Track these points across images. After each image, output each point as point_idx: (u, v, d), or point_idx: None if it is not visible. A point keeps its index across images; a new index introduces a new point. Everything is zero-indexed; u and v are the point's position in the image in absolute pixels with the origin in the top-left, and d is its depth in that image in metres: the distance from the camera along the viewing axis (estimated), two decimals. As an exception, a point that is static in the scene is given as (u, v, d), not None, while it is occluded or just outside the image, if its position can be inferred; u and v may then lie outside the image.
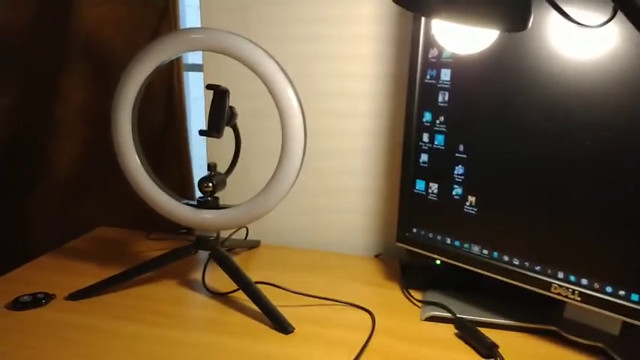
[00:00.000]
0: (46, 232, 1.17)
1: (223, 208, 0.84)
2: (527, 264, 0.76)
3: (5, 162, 1.17)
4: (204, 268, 0.91)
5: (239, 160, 0.88)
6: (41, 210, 1.18)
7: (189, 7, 1.11)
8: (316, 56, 1.00)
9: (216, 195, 0.85)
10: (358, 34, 0.98)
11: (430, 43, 0.81)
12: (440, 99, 0.82)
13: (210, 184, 0.83)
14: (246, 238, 1.09)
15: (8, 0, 1.08)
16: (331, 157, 1.04)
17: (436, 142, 0.83)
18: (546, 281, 0.74)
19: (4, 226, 1.20)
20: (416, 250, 0.88)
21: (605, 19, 0.63)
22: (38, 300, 0.81)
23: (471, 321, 0.77)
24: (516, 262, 0.77)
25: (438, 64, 0.81)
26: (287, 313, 0.78)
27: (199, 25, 1.04)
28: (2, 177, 1.18)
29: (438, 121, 0.82)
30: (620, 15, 0.62)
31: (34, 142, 1.15)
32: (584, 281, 0.71)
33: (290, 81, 0.76)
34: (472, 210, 0.80)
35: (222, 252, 0.86)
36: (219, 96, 0.80)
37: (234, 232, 1.05)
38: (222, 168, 0.87)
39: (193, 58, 1.14)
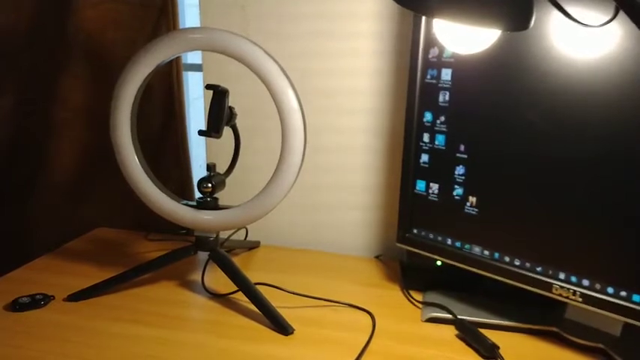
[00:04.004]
0: (46, 233, 1.17)
1: (223, 208, 0.84)
2: (528, 265, 0.76)
3: (5, 163, 1.17)
4: (203, 269, 0.90)
5: (238, 160, 0.87)
6: (41, 211, 1.17)
7: (188, 7, 1.11)
8: (316, 55, 1.00)
9: (215, 195, 0.84)
10: (358, 32, 0.98)
11: (431, 42, 0.81)
12: (440, 99, 0.81)
13: (210, 185, 0.83)
14: (245, 238, 1.08)
15: (9, 1, 1.08)
16: (331, 157, 1.04)
17: (437, 142, 0.83)
18: (547, 282, 0.73)
19: (4, 227, 1.20)
20: (416, 250, 0.88)
21: (606, 18, 0.63)
22: (37, 301, 0.80)
23: (472, 322, 0.77)
24: (517, 263, 0.77)
25: (439, 63, 0.81)
26: (287, 314, 0.78)
27: (199, 25, 1.04)
28: (2, 178, 1.18)
29: (438, 121, 0.82)
30: (621, 14, 0.62)
31: (34, 143, 1.15)
32: (586, 282, 0.71)
33: (290, 81, 0.76)
34: (473, 210, 0.80)
35: (221, 253, 0.85)
36: (218, 96, 0.80)
37: (234, 232, 1.04)
38: (221, 168, 0.87)
39: (193, 57, 1.14)
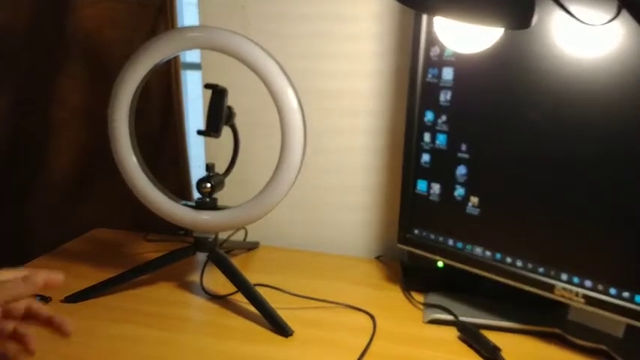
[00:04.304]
0: (44, 233, 1.17)
1: (222, 209, 0.83)
2: (530, 265, 0.75)
3: (3, 163, 1.17)
4: (202, 270, 0.90)
5: (238, 160, 0.87)
6: (39, 211, 1.17)
7: (187, 5, 1.11)
8: (316, 56, 1.00)
9: (214, 196, 0.84)
10: (359, 33, 0.97)
11: (432, 41, 0.80)
12: (442, 98, 0.81)
13: (209, 185, 0.83)
14: (245, 239, 1.08)
15: (8, 0, 1.07)
16: (332, 158, 1.03)
17: (438, 142, 0.82)
18: (549, 283, 0.73)
19: (2, 227, 1.19)
20: (417, 251, 0.87)
21: (609, 17, 0.63)
22: (34, 302, 0.80)
23: (474, 324, 0.76)
24: (519, 264, 0.76)
25: (440, 62, 0.80)
26: (286, 315, 0.77)
27: (197, 24, 1.03)
28: (0, 178, 1.17)
29: (439, 121, 0.81)
30: (624, 13, 0.61)
31: (32, 143, 1.14)
32: (588, 283, 0.70)
33: (290, 81, 0.75)
34: (474, 211, 0.79)
35: (220, 254, 0.85)
36: (217, 95, 0.80)
37: (233, 233, 1.04)
38: (220, 168, 0.87)
39: (191, 56, 1.13)
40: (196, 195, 0.84)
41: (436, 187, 0.84)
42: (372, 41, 0.97)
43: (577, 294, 0.70)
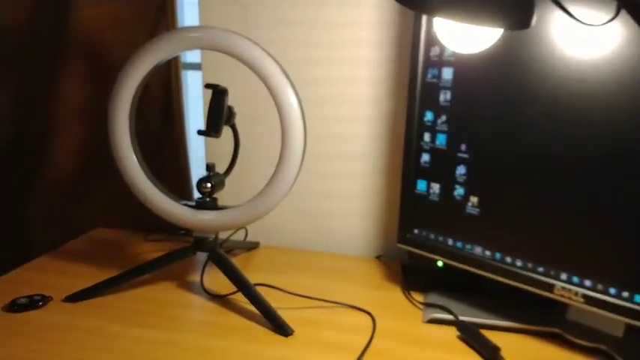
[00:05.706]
0: (44, 233, 1.17)
1: (222, 208, 0.83)
2: (529, 265, 0.75)
3: (3, 162, 1.17)
4: (202, 269, 0.90)
5: (238, 160, 0.87)
6: (39, 211, 1.17)
7: (187, 5, 1.11)
8: (316, 60, 1.00)
9: (214, 196, 0.84)
10: (358, 38, 0.97)
11: (432, 41, 0.80)
12: (442, 98, 0.81)
13: (209, 185, 0.83)
14: (245, 239, 1.08)
15: (9, 0, 1.07)
16: (332, 158, 1.04)
17: (438, 142, 0.82)
18: (549, 283, 0.73)
19: (2, 227, 1.19)
20: (417, 251, 0.87)
21: (608, 17, 0.63)
22: (35, 302, 0.80)
23: (473, 323, 0.76)
24: (519, 264, 0.76)
25: (440, 62, 0.80)
26: (286, 315, 0.77)
27: (198, 24, 1.03)
28: (1, 177, 1.17)
29: (439, 121, 0.82)
30: (623, 13, 0.61)
31: (32, 142, 1.14)
32: (588, 283, 0.70)
33: (290, 80, 0.75)
34: (474, 211, 0.80)
35: (221, 253, 0.85)
36: (217, 95, 0.80)
37: (233, 233, 1.04)
38: (220, 168, 0.87)
39: (192, 56, 1.13)
40: (197, 195, 0.84)
41: (436, 187, 0.84)
42: (371, 46, 0.98)
43: (576, 293, 0.71)
